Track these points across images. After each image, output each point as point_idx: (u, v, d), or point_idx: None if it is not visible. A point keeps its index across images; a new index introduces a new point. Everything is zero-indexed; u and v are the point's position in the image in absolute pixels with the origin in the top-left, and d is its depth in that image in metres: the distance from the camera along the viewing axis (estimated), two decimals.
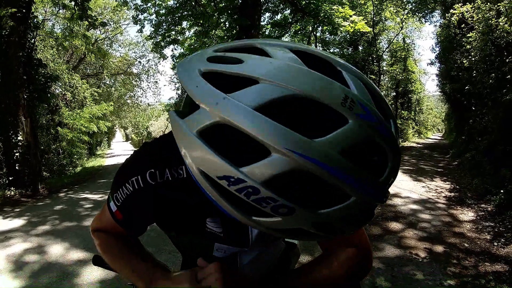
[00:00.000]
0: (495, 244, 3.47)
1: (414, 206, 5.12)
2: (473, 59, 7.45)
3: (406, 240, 3.73)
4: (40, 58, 9.01)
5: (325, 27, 10.66)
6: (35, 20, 8.23)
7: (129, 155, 0.75)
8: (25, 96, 6.95)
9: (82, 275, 2.98)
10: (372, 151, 0.43)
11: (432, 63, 17.80)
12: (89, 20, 8.40)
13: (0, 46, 6.75)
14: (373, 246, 3.60)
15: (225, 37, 11.08)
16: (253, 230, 0.74)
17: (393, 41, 19.58)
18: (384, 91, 21.68)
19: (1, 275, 2.99)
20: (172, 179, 0.67)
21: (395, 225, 4.25)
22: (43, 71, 8.39)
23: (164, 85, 43.05)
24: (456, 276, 2.86)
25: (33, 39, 7.74)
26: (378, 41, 18.40)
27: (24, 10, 6.82)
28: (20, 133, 6.83)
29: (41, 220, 4.71)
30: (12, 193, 6.45)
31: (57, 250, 3.54)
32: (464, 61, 8.05)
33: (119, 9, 17.35)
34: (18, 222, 4.61)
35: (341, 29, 9.83)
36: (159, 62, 26.01)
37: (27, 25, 7.16)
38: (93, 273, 2.99)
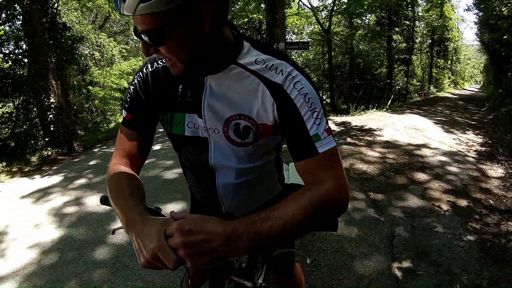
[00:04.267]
0: None
1: (443, 158, 4.98)
2: None
3: (430, 192, 3.68)
4: (64, 21, 9.14)
5: None
6: None
7: None
8: (53, 60, 7.09)
9: (116, 222, 3.16)
10: None
11: (468, 9, 16.13)
12: None
13: (23, 15, 6.86)
14: (397, 195, 3.59)
15: None
16: (205, 96, 0.85)
17: None
18: (419, 38, 20.21)
19: (43, 227, 3.24)
20: (160, 67, 0.89)
21: (421, 176, 4.18)
22: (68, 34, 8.49)
23: None
24: (476, 232, 2.80)
25: (55, 4, 7.70)
26: None
27: None
28: (52, 95, 7.06)
29: (77, 175, 4.98)
30: (49, 152, 6.81)
31: (92, 201, 3.78)
32: (503, 9, 7.21)
33: None
34: (56, 179, 4.86)
35: None
36: None
37: None
38: None
